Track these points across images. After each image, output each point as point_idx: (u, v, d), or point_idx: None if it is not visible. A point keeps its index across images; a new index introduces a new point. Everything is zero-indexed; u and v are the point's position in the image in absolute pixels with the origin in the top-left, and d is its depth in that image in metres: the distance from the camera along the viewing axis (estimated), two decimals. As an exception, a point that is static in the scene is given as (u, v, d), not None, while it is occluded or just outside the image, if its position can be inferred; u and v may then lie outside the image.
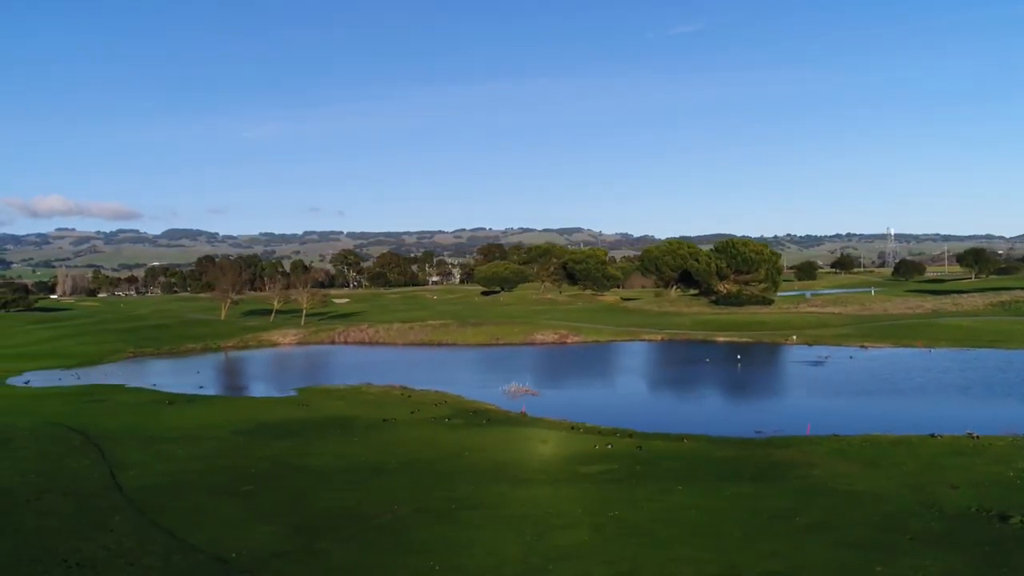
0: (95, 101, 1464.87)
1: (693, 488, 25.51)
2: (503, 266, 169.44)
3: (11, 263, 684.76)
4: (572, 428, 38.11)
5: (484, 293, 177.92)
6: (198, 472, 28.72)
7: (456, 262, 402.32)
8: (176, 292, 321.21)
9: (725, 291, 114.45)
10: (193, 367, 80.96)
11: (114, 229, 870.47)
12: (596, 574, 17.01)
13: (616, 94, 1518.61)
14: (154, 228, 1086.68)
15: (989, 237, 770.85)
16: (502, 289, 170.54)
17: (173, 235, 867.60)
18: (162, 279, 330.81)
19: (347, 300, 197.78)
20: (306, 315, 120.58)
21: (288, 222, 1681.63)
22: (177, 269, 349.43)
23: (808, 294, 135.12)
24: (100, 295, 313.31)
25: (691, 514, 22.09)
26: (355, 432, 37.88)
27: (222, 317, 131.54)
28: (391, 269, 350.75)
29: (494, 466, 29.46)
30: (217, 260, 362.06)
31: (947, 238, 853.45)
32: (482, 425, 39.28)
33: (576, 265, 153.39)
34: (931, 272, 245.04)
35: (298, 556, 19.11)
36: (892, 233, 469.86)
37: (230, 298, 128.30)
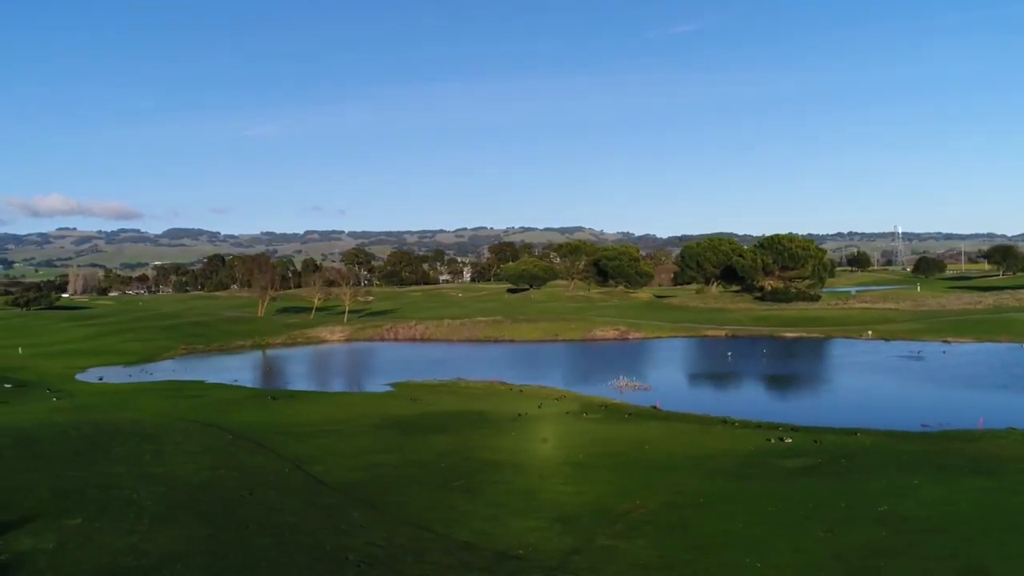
0: (96, 100, 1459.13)
1: (927, 481, 24.56)
2: (531, 263, 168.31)
3: (13, 262, 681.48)
4: (723, 422, 37.15)
5: (511, 290, 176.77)
6: (391, 466, 27.70)
7: (466, 260, 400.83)
8: (187, 291, 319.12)
9: (771, 287, 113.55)
10: (253, 363, 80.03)
11: (115, 229, 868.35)
12: (938, 571, 16.06)
13: (617, 93, 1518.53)
14: (155, 227, 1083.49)
15: (991, 235, 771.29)
16: (531, 286, 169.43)
17: (174, 234, 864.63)
18: (173, 278, 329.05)
19: (372, 298, 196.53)
20: (348, 312, 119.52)
21: (289, 221, 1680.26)
22: (188, 268, 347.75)
23: (853, 291, 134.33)
24: (111, 294, 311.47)
25: (961, 507, 21.17)
26: (502, 426, 36.86)
27: (259, 314, 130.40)
28: (403, 268, 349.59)
29: (691, 460, 28.46)
30: (227, 259, 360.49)
31: (949, 236, 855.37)
32: (626, 419, 38.28)
33: (609, 262, 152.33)
34: (950, 270, 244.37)
35: (590, 552, 18.17)
36: (899, 231, 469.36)
37: (269, 295, 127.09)
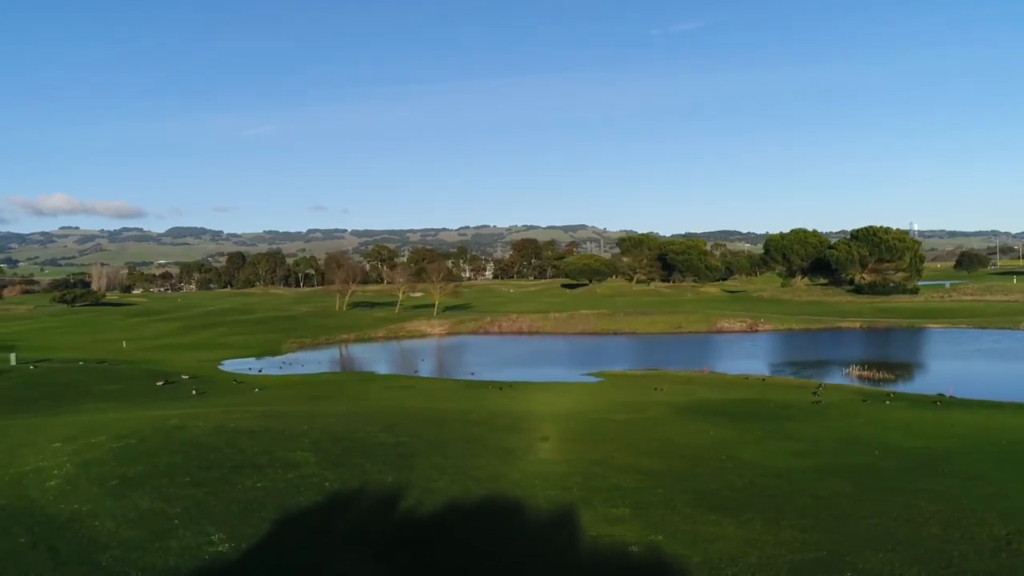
0: (99, 100, 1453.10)
1: None
2: (592, 258, 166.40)
3: (17, 261, 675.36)
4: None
5: (567, 286, 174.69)
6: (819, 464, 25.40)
7: (489, 257, 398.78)
8: (212, 288, 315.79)
9: (868, 280, 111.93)
10: (389, 355, 77.97)
11: (118, 227, 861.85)
12: None
13: (620, 91, 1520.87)
14: (158, 226, 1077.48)
15: (995, 233, 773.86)
16: (590, 281, 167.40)
17: (177, 233, 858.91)
18: (197, 275, 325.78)
19: (421, 293, 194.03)
20: (438, 307, 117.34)
21: (291, 220, 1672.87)
22: (212, 266, 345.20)
23: (947, 284, 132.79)
24: (135, 291, 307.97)
25: None
26: (811, 413, 34.37)
27: (337, 309, 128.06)
28: (426, 265, 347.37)
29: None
30: (241, 257, 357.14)
31: (952, 234, 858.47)
32: (937, 406, 36.17)
33: (677, 256, 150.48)
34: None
35: None
36: (916, 228, 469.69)
37: (350, 290, 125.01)
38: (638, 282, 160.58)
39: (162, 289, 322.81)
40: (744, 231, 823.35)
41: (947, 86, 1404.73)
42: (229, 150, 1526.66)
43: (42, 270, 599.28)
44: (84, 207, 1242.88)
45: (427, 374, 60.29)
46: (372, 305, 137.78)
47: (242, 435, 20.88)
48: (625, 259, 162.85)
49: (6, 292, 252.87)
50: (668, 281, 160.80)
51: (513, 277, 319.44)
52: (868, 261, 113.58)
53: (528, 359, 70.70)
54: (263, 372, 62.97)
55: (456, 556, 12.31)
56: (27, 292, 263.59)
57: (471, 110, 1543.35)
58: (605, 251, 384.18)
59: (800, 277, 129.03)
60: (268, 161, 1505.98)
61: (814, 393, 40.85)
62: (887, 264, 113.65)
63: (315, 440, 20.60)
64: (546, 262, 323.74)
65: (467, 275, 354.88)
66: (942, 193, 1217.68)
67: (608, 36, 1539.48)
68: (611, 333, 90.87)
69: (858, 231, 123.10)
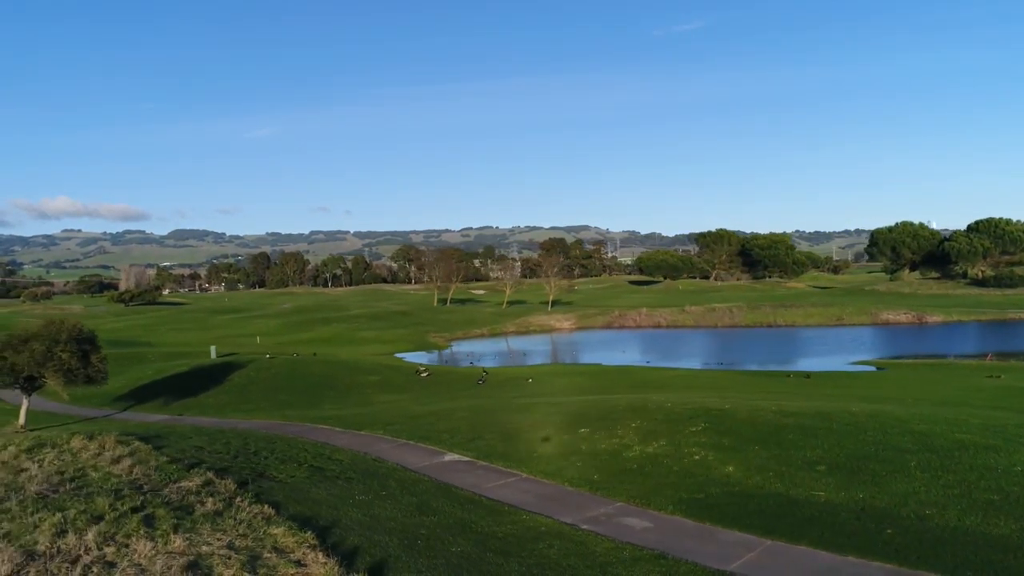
0: (103, 103, 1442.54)
1: None
2: (669, 253, 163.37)
3: (22, 264, 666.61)
4: None
5: (635, 282, 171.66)
6: None
7: (516, 257, 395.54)
8: (240, 288, 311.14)
9: (990, 273, 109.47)
10: (554, 347, 74.83)
11: (120, 230, 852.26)
12: None
13: (622, 91, 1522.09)
14: (161, 228, 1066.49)
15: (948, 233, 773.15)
16: (665, 277, 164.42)
17: (180, 235, 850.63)
18: (225, 275, 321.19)
19: (483, 291, 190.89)
20: (551, 303, 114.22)
21: (294, 222, 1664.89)
22: (240, 266, 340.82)
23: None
24: (164, 291, 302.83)
25: None
26: None
27: (435, 304, 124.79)
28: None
29: None
30: (266, 258, 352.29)
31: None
32: None
33: (762, 251, 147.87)
34: None
35: None
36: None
37: (453, 286, 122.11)
38: (716, 278, 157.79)
39: (187, 289, 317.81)
40: (747, 231, 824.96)
41: (950, 82, 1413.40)
42: (232, 152, 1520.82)
43: (48, 272, 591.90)
44: (87, 210, 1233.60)
45: (668, 364, 56.76)
46: (462, 302, 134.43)
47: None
48: (703, 255, 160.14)
49: (22, 292, 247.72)
50: (757, 277, 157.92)
51: (540, 277, 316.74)
52: (991, 253, 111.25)
53: (737, 350, 67.70)
54: (473, 364, 59.79)
55: None
56: (45, 295, 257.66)
57: (473, 112, 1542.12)
58: (612, 252, 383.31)
59: (908, 271, 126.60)
60: (271, 163, 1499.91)
61: None
62: (1008, 256, 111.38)
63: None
64: (574, 261, 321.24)
65: (496, 274, 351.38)
66: (943, 190, 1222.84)
67: (610, 37, 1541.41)
68: (766, 325, 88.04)
69: (978, 223, 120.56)
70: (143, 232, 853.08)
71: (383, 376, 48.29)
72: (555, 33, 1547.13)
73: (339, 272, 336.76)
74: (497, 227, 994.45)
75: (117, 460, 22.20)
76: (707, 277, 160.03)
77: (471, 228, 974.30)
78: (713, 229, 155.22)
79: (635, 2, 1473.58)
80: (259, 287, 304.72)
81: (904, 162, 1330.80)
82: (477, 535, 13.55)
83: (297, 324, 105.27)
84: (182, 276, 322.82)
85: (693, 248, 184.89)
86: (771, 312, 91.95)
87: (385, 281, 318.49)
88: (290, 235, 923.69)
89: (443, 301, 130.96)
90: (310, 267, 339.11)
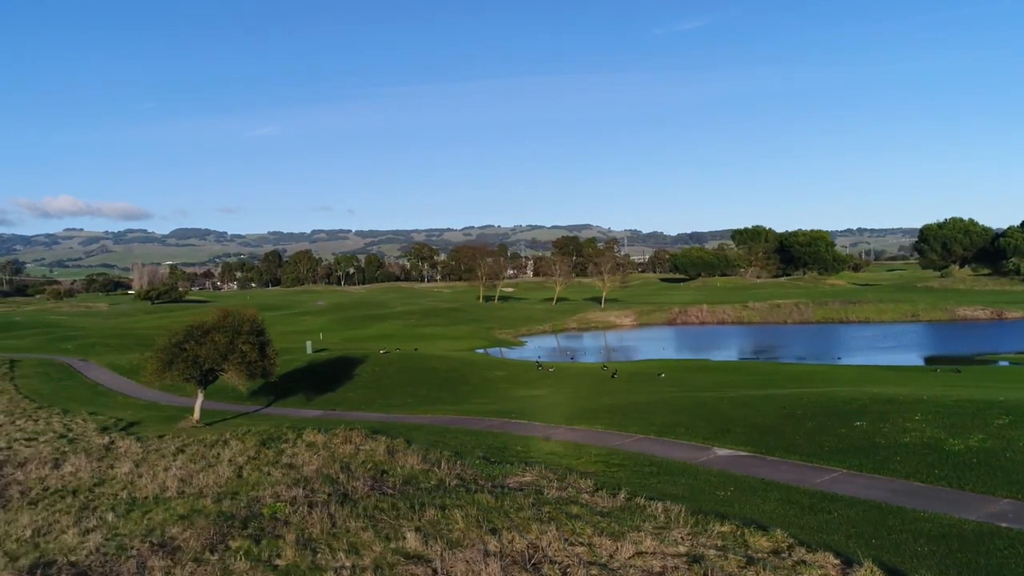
0: (104, 102, 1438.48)
1: None
2: (704, 251, 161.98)
3: (24, 263, 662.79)
4: None
5: (666, 280, 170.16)
6: None
7: (529, 255, 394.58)
8: (252, 287, 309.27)
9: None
10: (628, 343, 73.07)
11: (122, 229, 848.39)
12: None
13: (624, 90, 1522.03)
14: (163, 228, 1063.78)
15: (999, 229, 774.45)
16: (700, 274, 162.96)
17: (182, 234, 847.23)
18: (238, 274, 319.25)
19: (513, 289, 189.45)
20: (606, 299, 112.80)
21: (296, 221, 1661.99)
22: (253, 264, 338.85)
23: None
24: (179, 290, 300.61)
25: None
26: None
27: (479, 301, 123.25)
28: (469, 262, 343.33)
29: None
30: (278, 256, 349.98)
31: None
32: None
33: (802, 248, 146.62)
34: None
35: None
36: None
37: (500, 282, 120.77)
38: (756, 275, 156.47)
39: (198, 288, 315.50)
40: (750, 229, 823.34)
41: (952, 81, 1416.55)
42: (234, 151, 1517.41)
43: (51, 271, 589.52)
44: (89, 209, 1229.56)
45: (783, 359, 55.13)
46: (506, 298, 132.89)
47: None
48: (740, 252, 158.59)
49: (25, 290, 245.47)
50: (787, 274, 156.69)
51: (554, 275, 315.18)
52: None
53: (842, 346, 66.04)
54: (574, 360, 58.24)
55: None
56: (68, 293, 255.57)
57: (475, 110, 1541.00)
58: (622, 250, 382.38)
59: (959, 267, 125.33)
60: (273, 162, 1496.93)
61: None
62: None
63: None
64: (587, 259, 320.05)
65: (510, 272, 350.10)
66: (946, 189, 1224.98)
67: (611, 36, 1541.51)
68: (838, 321, 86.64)
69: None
70: (145, 231, 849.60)
71: (507, 372, 46.70)
72: (556, 32, 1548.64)
73: (351, 271, 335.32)
74: (499, 226, 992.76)
75: (391, 453, 20.60)
76: (725, 275, 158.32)
77: (473, 227, 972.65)
78: (749, 226, 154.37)
79: (635, 1, 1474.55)
80: (272, 285, 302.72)
81: (900, 162, 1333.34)
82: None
83: (348, 321, 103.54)
84: (195, 275, 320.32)
85: (728, 245, 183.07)
86: (840, 308, 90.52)
87: (398, 279, 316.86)
88: (292, 234, 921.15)
89: (488, 298, 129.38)
90: (322, 265, 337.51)
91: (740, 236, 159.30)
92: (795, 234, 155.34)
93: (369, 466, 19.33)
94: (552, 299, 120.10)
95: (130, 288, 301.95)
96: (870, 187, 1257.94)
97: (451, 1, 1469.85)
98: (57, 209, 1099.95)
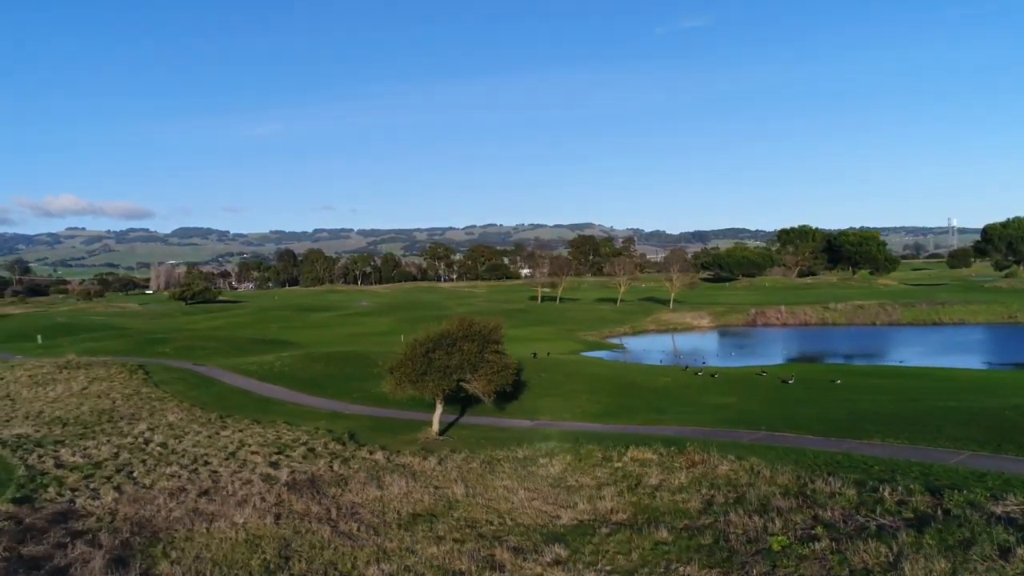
0: (106, 102, 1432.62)
1: None
2: (749, 250, 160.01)
3: (27, 263, 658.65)
4: None
5: (707, 280, 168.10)
6: None
7: (545, 254, 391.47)
8: (270, 287, 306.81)
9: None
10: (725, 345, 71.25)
11: (124, 228, 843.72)
12: None
13: (625, 89, 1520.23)
14: (165, 227, 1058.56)
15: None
16: (742, 275, 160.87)
17: (184, 233, 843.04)
18: (256, 273, 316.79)
19: (549, 289, 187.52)
20: (672, 301, 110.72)
21: (298, 220, 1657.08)
22: (269, 264, 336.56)
23: None
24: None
25: None
26: None
27: (539, 302, 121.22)
28: (486, 261, 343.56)
29: None
30: (292, 255, 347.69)
31: (963, 231, 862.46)
32: None
33: (852, 247, 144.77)
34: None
35: None
36: (956, 225, 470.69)
37: (563, 282, 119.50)
38: (799, 275, 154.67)
39: (215, 287, 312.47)
40: (753, 228, 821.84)
41: (954, 81, 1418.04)
42: (236, 150, 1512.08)
43: (56, 271, 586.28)
44: (92, 208, 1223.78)
45: (938, 364, 52.84)
46: (552, 299, 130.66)
47: None
48: (787, 250, 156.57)
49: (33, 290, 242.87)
50: (813, 274, 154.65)
51: (570, 275, 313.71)
52: None
53: (972, 349, 64.04)
54: (705, 364, 56.13)
55: None
56: (98, 293, 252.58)
57: (477, 109, 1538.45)
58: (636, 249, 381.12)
59: (1022, 267, 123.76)
60: (275, 161, 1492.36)
61: None
62: None
63: None
64: (604, 259, 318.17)
65: (526, 271, 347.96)
66: (945, 189, 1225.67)
67: (612, 34, 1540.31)
68: (931, 323, 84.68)
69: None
70: (147, 230, 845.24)
71: (672, 378, 44.44)
72: (557, 31, 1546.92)
73: (368, 270, 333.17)
74: (501, 225, 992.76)
75: (755, 473, 18.35)
76: (751, 275, 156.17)
77: (475, 226, 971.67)
78: (796, 225, 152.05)
79: (636, 2, 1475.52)
80: (290, 285, 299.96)
81: (900, 163, 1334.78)
82: None
83: (414, 321, 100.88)
84: (212, 274, 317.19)
85: (772, 243, 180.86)
86: (930, 310, 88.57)
87: (415, 279, 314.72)
88: (294, 233, 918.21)
89: (552, 299, 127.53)
90: (339, 265, 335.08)
91: (786, 236, 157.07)
92: (845, 233, 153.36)
93: (784, 491, 17.11)
94: (616, 300, 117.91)
95: (147, 287, 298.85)
96: (870, 187, 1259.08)
97: (453, 1, 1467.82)
98: (59, 208, 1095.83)
